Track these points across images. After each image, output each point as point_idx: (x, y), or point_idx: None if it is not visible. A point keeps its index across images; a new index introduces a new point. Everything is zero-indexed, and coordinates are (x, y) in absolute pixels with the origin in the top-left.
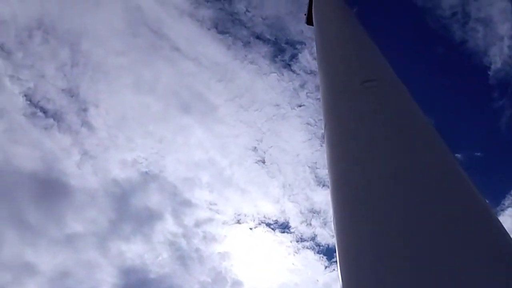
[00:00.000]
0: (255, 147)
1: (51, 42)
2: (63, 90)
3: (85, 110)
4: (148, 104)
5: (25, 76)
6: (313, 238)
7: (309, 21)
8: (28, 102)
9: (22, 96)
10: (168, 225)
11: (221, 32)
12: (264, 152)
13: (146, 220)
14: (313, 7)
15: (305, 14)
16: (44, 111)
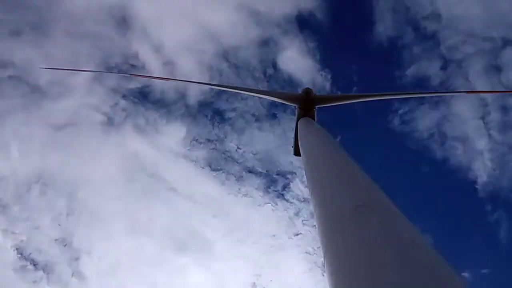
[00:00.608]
0: (254, 283)
1: (48, 193)
2: (56, 240)
3: (77, 259)
4: (143, 246)
5: (19, 229)
6: None
7: (297, 153)
8: (19, 256)
9: (14, 250)
10: None
11: (215, 170)
12: None
13: None
14: (299, 139)
15: (292, 147)
16: (35, 263)
